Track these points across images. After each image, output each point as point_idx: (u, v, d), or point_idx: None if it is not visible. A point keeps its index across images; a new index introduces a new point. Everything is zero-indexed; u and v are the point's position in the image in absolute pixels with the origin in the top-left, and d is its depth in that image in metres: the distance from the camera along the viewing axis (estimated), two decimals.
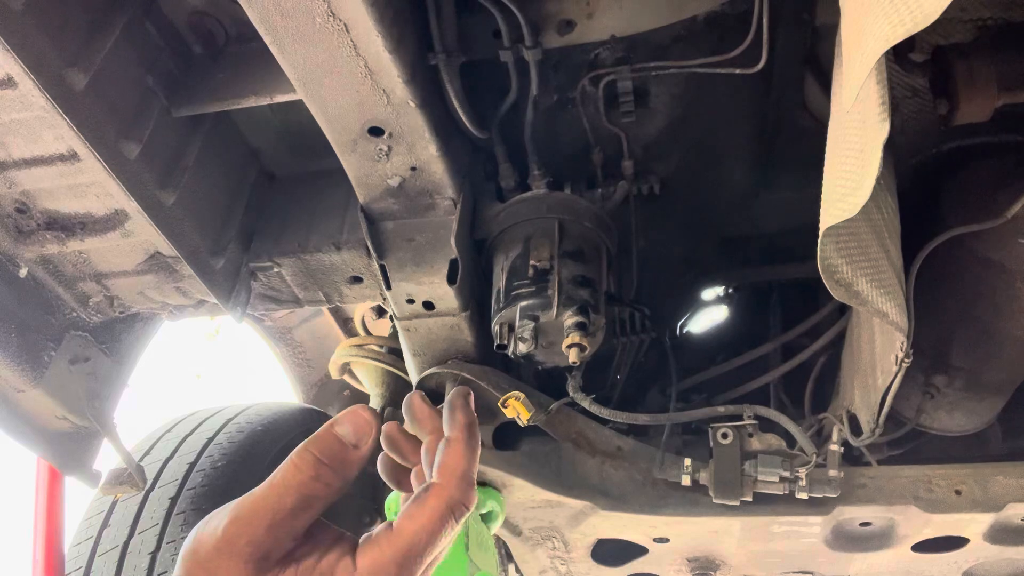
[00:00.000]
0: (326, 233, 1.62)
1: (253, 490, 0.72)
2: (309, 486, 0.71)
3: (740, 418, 1.62)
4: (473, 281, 1.62)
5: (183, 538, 1.85)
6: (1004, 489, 1.63)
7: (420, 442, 0.89)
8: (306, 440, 0.74)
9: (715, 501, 1.63)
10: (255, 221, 1.68)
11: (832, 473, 1.57)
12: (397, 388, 2.16)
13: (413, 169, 1.45)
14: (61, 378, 1.57)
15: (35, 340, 1.53)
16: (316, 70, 1.23)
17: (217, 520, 0.71)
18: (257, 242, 1.66)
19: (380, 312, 2.51)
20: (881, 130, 0.79)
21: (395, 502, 1.65)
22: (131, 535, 1.99)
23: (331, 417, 0.83)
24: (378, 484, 2.25)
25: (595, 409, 1.62)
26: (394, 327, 1.71)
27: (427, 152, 1.41)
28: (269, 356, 3.03)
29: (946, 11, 0.62)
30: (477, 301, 1.63)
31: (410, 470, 0.89)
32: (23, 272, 1.50)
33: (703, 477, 1.65)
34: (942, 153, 1.56)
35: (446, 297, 1.55)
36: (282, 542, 0.70)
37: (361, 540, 0.75)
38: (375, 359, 2.13)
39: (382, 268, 1.55)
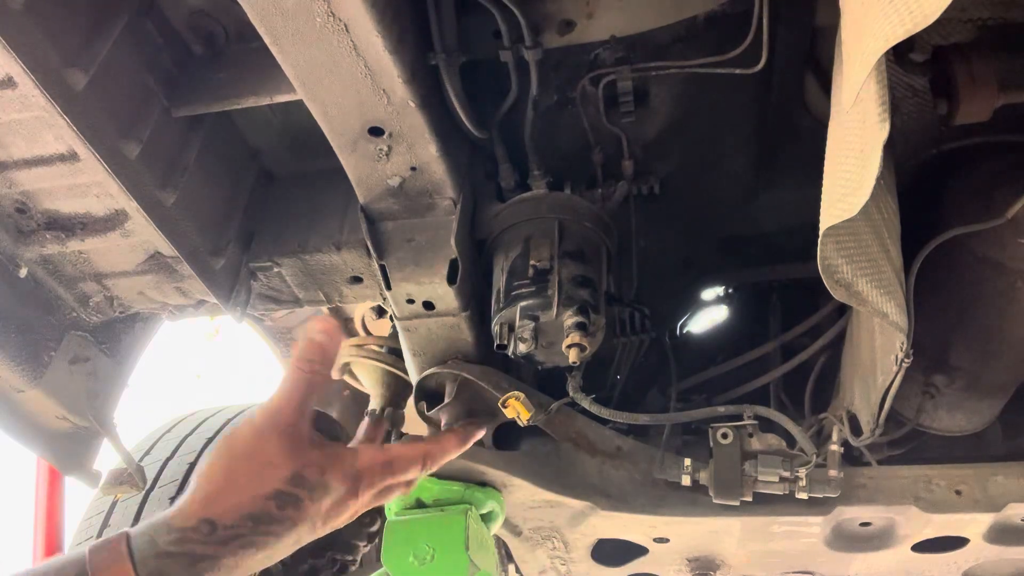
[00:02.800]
0: (326, 233, 1.62)
1: (271, 396, 0.99)
2: (312, 377, 1.01)
3: (740, 418, 1.62)
4: (473, 281, 1.62)
5: None
6: (1004, 489, 1.62)
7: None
8: (299, 353, 1.02)
9: (715, 501, 1.63)
10: (255, 221, 1.68)
11: (832, 473, 1.57)
12: (397, 388, 2.16)
13: (413, 169, 1.45)
14: (61, 378, 1.57)
15: (35, 340, 1.53)
16: (316, 70, 1.23)
17: (248, 420, 0.97)
18: (257, 242, 1.66)
19: (380, 312, 2.51)
20: (881, 130, 0.79)
21: (395, 501, 1.65)
22: None
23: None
24: None
25: (595, 409, 1.61)
26: (394, 327, 1.71)
27: (427, 152, 1.41)
28: (269, 356, 3.03)
29: (946, 11, 0.62)
30: (477, 301, 1.63)
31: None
32: (23, 272, 1.51)
33: (703, 477, 1.64)
34: (942, 153, 1.55)
35: (446, 297, 1.55)
36: (305, 420, 0.98)
37: (360, 445, 1.12)
38: (375, 359, 2.13)
39: (382, 268, 1.55)
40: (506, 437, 1.81)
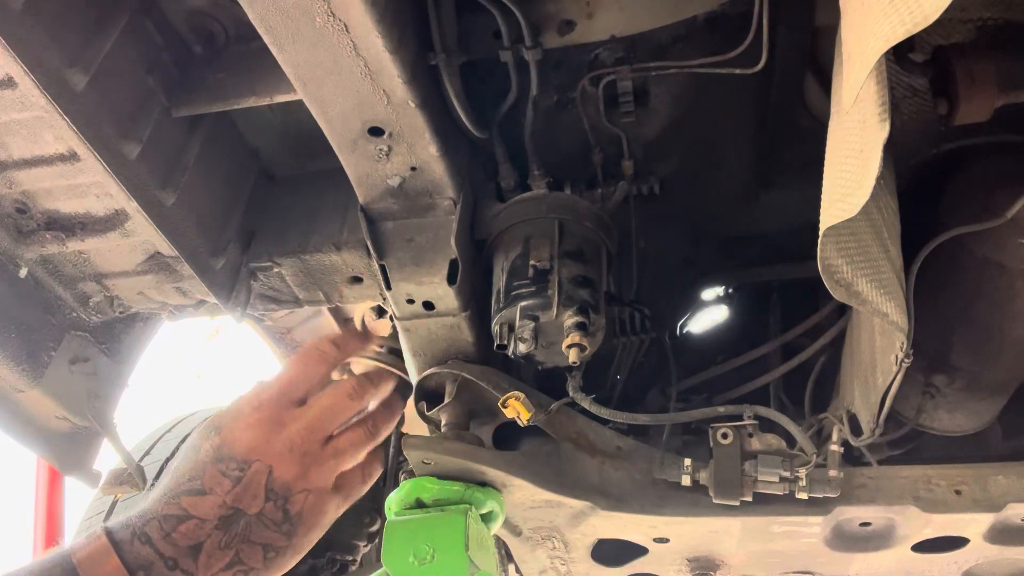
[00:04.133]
0: (326, 233, 1.62)
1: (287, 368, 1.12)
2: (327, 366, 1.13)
3: (740, 418, 1.62)
4: (473, 281, 1.62)
5: None
6: (1004, 489, 1.62)
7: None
8: (324, 339, 1.14)
9: (715, 501, 1.63)
10: (255, 221, 1.68)
11: (832, 473, 1.57)
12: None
13: (413, 169, 1.46)
14: (61, 378, 1.57)
15: (35, 340, 1.53)
16: (316, 70, 1.23)
17: (269, 383, 1.07)
18: (257, 242, 1.66)
19: (380, 312, 2.51)
20: (881, 130, 0.79)
21: (395, 501, 1.65)
22: None
23: None
24: (378, 487, 2.26)
25: (595, 409, 1.61)
26: (394, 327, 1.71)
27: (427, 152, 1.41)
28: (269, 356, 3.02)
29: (946, 11, 0.62)
30: (477, 301, 1.63)
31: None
32: (23, 272, 1.51)
33: (703, 477, 1.64)
34: (942, 153, 1.55)
35: (446, 297, 1.55)
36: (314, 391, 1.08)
37: None
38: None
39: (382, 268, 1.55)
40: (506, 437, 1.81)
